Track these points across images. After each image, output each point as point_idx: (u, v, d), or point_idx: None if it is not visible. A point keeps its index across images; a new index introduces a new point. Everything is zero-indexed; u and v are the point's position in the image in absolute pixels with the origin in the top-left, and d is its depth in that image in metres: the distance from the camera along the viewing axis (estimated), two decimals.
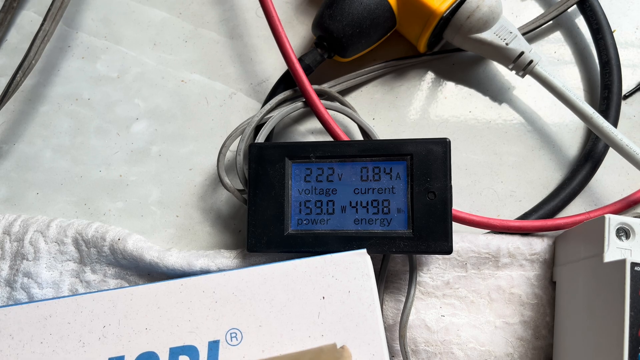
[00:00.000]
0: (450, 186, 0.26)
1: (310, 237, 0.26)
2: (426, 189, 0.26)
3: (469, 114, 0.33)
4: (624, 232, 0.24)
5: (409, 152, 0.26)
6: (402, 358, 0.27)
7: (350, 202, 0.27)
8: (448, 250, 0.25)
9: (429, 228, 0.26)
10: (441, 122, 0.33)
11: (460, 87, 0.33)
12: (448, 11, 0.30)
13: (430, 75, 0.34)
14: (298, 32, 0.35)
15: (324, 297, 0.24)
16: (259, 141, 0.29)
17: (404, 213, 0.26)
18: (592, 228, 0.25)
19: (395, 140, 0.27)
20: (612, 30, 0.32)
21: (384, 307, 0.29)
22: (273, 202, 0.27)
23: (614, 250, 0.24)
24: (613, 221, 0.24)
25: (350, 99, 0.34)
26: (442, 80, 0.34)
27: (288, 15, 0.35)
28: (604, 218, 0.24)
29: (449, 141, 0.26)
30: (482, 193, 0.32)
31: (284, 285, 0.24)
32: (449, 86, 0.34)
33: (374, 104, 0.33)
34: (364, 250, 0.25)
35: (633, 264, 0.22)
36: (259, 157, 0.27)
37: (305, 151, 0.27)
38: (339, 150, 0.27)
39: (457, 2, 0.30)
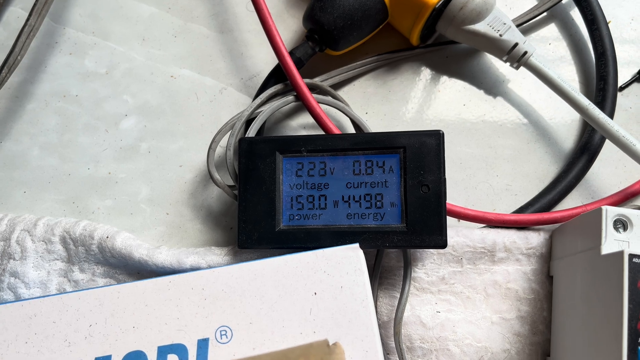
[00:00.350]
0: (445, 179, 0.25)
1: (302, 232, 0.26)
2: (420, 182, 0.25)
3: (463, 107, 0.32)
4: (621, 224, 0.24)
5: (402, 145, 0.26)
6: (397, 355, 0.27)
7: (343, 197, 0.26)
8: (442, 244, 0.25)
9: (423, 222, 0.25)
10: (435, 116, 0.32)
11: (454, 80, 0.33)
12: (440, 3, 0.29)
13: (423, 69, 0.33)
14: (289, 26, 0.34)
15: (315, 293, 0.23)
16: (250, 136, 0.29)
17: (398, 207, 0.26)
18: (589, 220, 0.25)
19: (388, 133, 0.26)
20: (608, 21, 0.32)
21: (378, 303, 0.28)
22: (264, 198, 0.26)
23: (611, 242, 0.24)
24: (610, 213, 0.24)
25: (342, 93, 0.33)
26: (435, 73, 0.33)
27: (279, 9, 0.35)
28: (600, 210, 0.24)
29: (443, 133, 0.26)
30: (478, 187, 0.31)
31: (275, 282, 0.23)
32: (443, 79, 0.33)
33: (366, 97, 0.33)
34: (357, 245, 0.24)
35: (631, 256, 0.21)
36: (249, 151, 0.27)
37: (296, 145, 0.27)
38: (330, 144, 0.26)
39: None
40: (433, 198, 0.25)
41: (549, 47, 0.33)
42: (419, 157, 0.26)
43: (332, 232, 0.26)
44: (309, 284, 0.23)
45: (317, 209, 0.26)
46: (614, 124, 0.28)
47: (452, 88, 0.33)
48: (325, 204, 0.26)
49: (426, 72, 0.33)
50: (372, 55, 0.33)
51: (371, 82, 0.33)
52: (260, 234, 0.26)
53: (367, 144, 0.26)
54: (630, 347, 0.21)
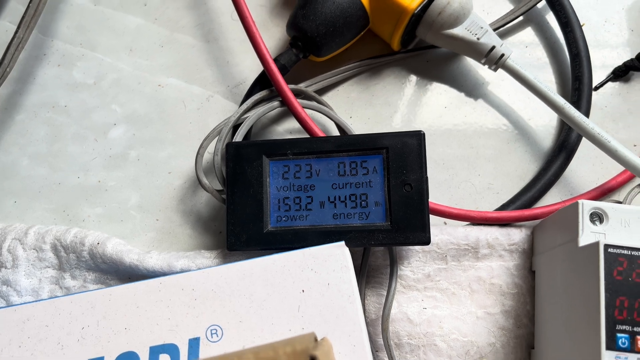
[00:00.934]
0: (426, 177, 0.26)
1: (290, 233, 0.26)
2: (402, 181, 0.26)
3: (444, 110, 0.33)
4: (597, 217, 0.25)
5: (384, 146, 0.27)
6: (385, 352, 0.27)
7: (329, 197, 0.27)
8: (426, 240, 0.26)
9: (407, 219, 0.26)
10: (417, 119, 0.33)
11: (435, 83, 0.34)
12: (419, 8, 0.30)
13: (405, 73, 0.34)
14: (273, 35, 0.35)
15: (303, 291, 0.24)
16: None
17: (382, 206, 0.26)
18: (567, 214, 0.26)
19: (371, 135, 0.27)
20: (581, 23, 0.33)
21: (366, 302, 0.29)
22: (251, 200, 0.27)
23: (588, 234, 0.24)
24: (586, 206, 0.25)
25: (327, 98, 0.34)
26: (417, 77, 0.34)
27: (263, 18, 0.35)
28: (577, 204, 0.25)
29: (423, 133, 0.26)
30: (460, 186, 0.32)
31: (264, 280, 0.24)
32: (424, 83, 0.34)
33: (350, 102, 0.34)
34: (342, 243, 0.25)
35: (606, 246, 0.22)
36: (236, 155, 0.27)
37: (282, 148, 0.27)
38: (315, 146, 0.27)
39: None
40: (416, 196, 0.26)
41: (526, 50, 0.34)
42: (401, 157, 0.26)
43: (319, 232, 0.26)
44: (297, 281, 0.24)
45: (303, 210, 0.27)
46: (589, 122, 0.29)
47: (434, 91, 0.34)
48: (312, 205, 0.27)
49: (408, 77, 0.34)
50: (354, 61, 0.33)
51: (355, 87, 0.34)
52: (248, 236, 0.27)
53: (351, 145, 0.27)
54: (609, 334, 0.22)
